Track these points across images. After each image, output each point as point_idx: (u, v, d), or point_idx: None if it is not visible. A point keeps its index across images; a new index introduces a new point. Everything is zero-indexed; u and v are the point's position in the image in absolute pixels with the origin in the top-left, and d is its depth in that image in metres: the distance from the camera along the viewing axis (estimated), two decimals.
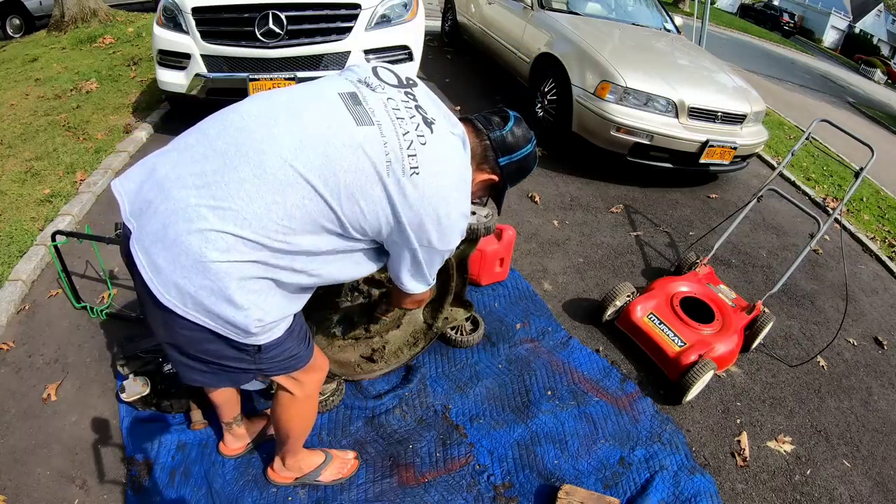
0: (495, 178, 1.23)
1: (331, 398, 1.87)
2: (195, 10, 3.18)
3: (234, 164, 0.96)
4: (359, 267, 1.19)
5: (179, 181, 0.97)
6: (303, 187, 0.96)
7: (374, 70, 1.15)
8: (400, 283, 1.22)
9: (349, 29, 3.35)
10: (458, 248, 1.94)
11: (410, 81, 1.18)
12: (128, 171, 1.07)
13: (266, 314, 1.04)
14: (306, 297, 1.19)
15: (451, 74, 5.47)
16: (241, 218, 0.93)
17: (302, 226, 0.99)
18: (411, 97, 1.12)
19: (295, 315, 1.19)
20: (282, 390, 1.35)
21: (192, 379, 1.17)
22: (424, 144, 1.05)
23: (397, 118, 1.05)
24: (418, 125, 1.07)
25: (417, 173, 1.03)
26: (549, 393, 2.09)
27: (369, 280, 1.80)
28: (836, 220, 3.55)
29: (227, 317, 0.99)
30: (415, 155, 1.03)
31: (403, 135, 1.04)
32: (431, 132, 1.08)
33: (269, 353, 1.14)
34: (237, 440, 1.69)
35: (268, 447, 1.71)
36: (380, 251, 1.20)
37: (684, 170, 3.78)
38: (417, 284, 1.23)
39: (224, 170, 0.95)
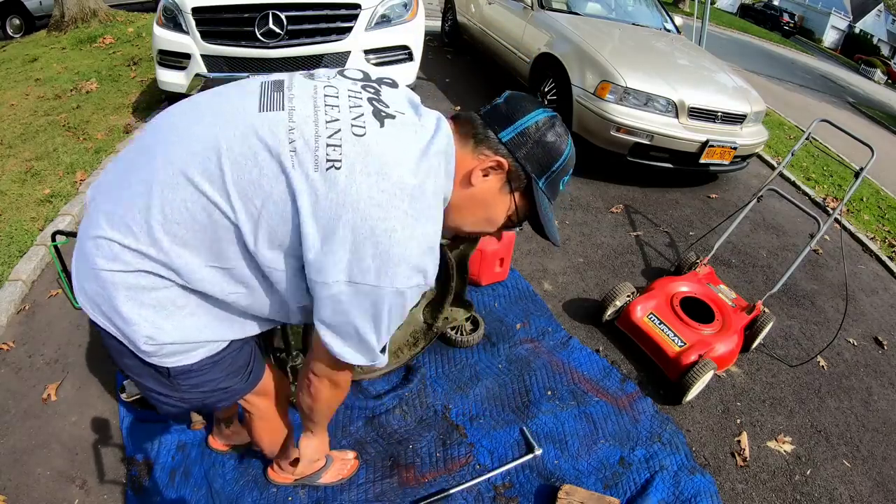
0: (503, 160, 0.91)
1: None
2: (195, 10, 3.18)
3: (132, 166, 0.87)
4: (289, 301, 0.94)
5: (104, 185, 0.91)
6: (184, 188, 0.81)
7: (342, 70, 0.98)
8: (323, 334, 0.89)
9: (349, 29, 3.36)
10: (457, 247, 1.96)
11: (386, 80, 0.97)
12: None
13: (160, 333, 0.90)
14: (247, 326, 1.02)
15: (451, 74, 5.47)
16: (124, 224, 0.83)
17: (191, 234, 0.83)
18: (371, 90, 0.91)
19: (231, 343, 1.02)
20: (244, 408, 1.30)
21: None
22: (360, 136, 0.83)
23: (327, 105, 0.85)
24: (360, 115, 0.85)
25: (337, 168, 0.80)
26: (549, 393, 2.08)
27: None
28: (836, 220, 3.55)
29: (119, 327, 0.89)
30: (339, 146, 0.81)
31: (328, 122, 0.83)
32: (381, 126, 0.85)
33: (187, 380, 1.00)
34: (222, 439, 1.69)
35: None
36: None
37: (684, 170, 3.78)
38: (347, 348, 0.89)
39: (124, 172, 0.88)
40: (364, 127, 0.84)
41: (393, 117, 0.87)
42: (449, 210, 0.95)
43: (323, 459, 1.22)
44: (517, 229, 1.01)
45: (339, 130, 0.83)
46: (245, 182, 0.81)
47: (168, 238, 0.83)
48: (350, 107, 0.86)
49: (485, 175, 0.92)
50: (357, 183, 0.80)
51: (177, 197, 0.81)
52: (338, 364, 0.94)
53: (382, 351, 0.95)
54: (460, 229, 1.01)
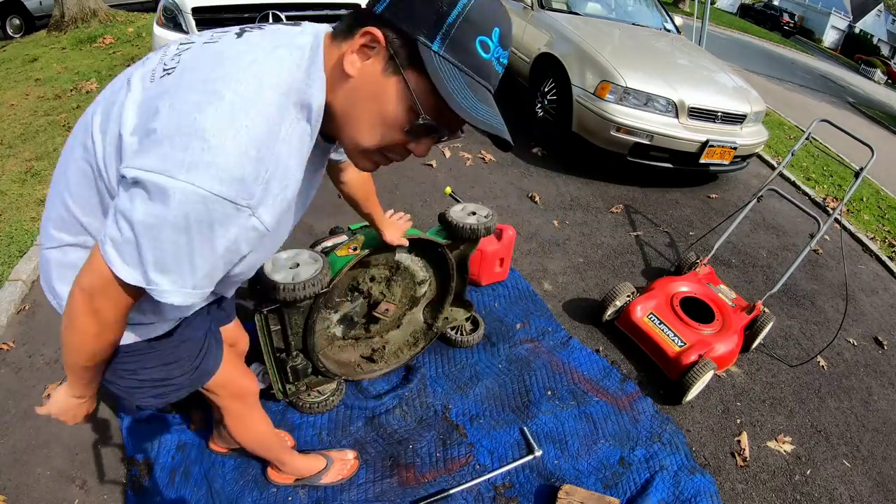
0: (374, 31, 0.69)
1: (331, 398, 1.87)
2: (195, 10, 3.18)
3: None
4: None
5: None
6: (75, 147, 0.82)
7: None
8: (106, 230, 0.71)
9: None
10: (457, 248, 1.96)
11: (288, 23, 0.87)
12: None
13: None
14: (173, 312, 0.95)
15: None
16: (49, 203, 0.88)
17: (90, 192, 0.80)
18: (255, 28, 0.81)
19: (174, 332, 0.99)
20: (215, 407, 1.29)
21: None
22: (207, 44, 0.75)
23: (188, 40, 0.81)
24: (217, 35, 0.78)
25: (170, 74, 0.72)
26: (549, 393, 2.08)
27: (370, 279, 1.80)
28: (836, 220, 3.55)
29: (57, 301, 0.91)
30: (180, 55, 0.75)
31: (180, 44, 0.79)
32: (238, 37, 0.75)
33: (122, 364, 0.97)
34: (222, 442, 1.69)
35: None
36: None
37: (684, 170, 3.78)
38: (115, 252, 0.69)
39: None
40: (216, 42, 0.75)
41: (254, 32, 0.77)
42: (337, 125, 0.78)
43: (70, 418, 0.98)
44: (417, 119, 0.73)
45: (189, 48, 0.76)
46: (106, 121, 0.76)
47: (72, 200, 0.83)
48: (214, 34, 0.79)
49: (364, 59, 0.71)
50: (182, 76, 0.71)
51: (71, 157, 0.82)
52: (105, 279, 0.72)
53: (183, 287, 0.72)
54: (361, 145, 0.77)
